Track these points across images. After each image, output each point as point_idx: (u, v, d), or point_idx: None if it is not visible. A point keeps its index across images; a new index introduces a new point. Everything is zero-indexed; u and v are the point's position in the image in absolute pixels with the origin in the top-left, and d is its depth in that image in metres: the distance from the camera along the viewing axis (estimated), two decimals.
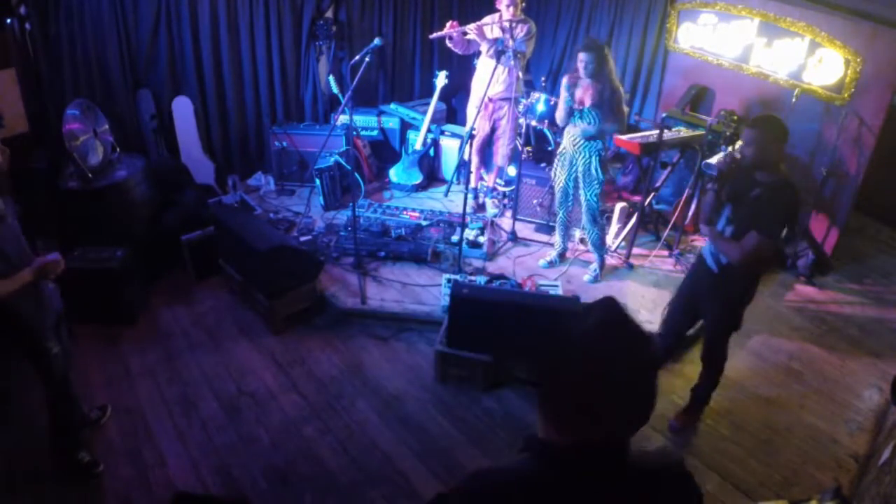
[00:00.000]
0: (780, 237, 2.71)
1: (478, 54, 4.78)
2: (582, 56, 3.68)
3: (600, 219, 4.16)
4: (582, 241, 4.68)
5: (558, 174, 4.14)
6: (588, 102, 3.77)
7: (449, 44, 4.63)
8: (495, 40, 4.43)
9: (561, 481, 1.04)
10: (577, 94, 3.81)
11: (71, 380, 2.77)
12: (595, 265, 4.33)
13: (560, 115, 3.96)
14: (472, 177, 5.14)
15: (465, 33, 4.53)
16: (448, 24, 4.46)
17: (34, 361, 2.60)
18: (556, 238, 4.47)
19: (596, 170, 3.94)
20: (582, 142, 3.92)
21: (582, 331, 1.04)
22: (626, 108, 4.10)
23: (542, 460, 1.08)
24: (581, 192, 4.06)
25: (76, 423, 2.84)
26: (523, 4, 4.44)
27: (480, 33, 4.45)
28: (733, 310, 2.98)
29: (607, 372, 1.00)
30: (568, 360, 1.04)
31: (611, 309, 1.06)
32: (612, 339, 1.03)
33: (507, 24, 4.41)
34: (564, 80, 3.85)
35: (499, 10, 4.48)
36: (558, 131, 4.99)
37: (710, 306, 3.05)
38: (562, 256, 4.47)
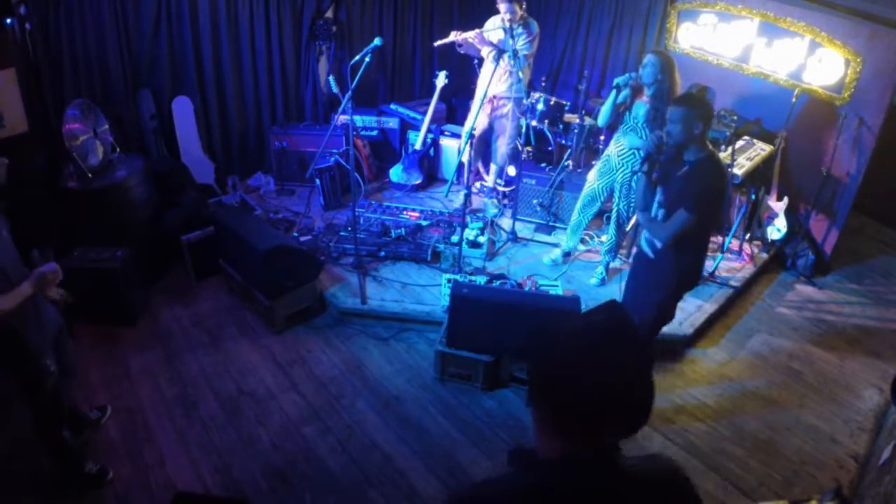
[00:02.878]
0: (706, 213, 2.70)
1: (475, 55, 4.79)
2: (647, 58, 3.56)
3: (625, 227, 4.14)
4: (582, 240, 4.68)
5: (593, 178, 4.09)
6: (641, 118, 3.68)
7: (459, 50, 4.67)
8: (497, 43, 4.44)
9: (552, 496, 1.02)
10: (635, 105, 3.70)
11: (65, 402, 2.66)
12: (601, 269, 4.32)
13: (603, 112, 3.84)
14: (472, 177, 5.14)
15: (466, 40, 4.54)
16: (452, 34, 4.48)
17: (27, 382, 2.49)
18: (565, 238, 4.45)
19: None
20: (628, 153, 3.84)
21: (582, 337, 1.03)
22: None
23: (531, 474, 1.06)
24: (614, 199, 4.01)
25: (75, 446, 2.73)
26: (524, 6, 4.44)
27: (482, 40, 4.46)
28: (667, 297, 2.96)
29: (607, 379, 1.00)
30: (568, 366, 1.03)
31: (612, 316, 1.06)
32: (612, 346, 1.02)
33: (507, 25, 4.40)
34: (619, 80, 3.69)
35: (499, 11, 4.48)
36: (557, 131, 5.00)
37: (645, 295, 3.03)
38: (566, 256, 4.47)
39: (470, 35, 4.47)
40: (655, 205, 2.86)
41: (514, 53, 4.35)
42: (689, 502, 1.13)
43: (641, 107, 3.70)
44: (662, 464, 1.17)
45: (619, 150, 3.89)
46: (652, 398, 1.04)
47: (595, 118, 4.35)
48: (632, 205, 3.99)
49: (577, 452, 1.03)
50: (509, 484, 1.07)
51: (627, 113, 3.80)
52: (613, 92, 3.73)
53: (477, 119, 4.46)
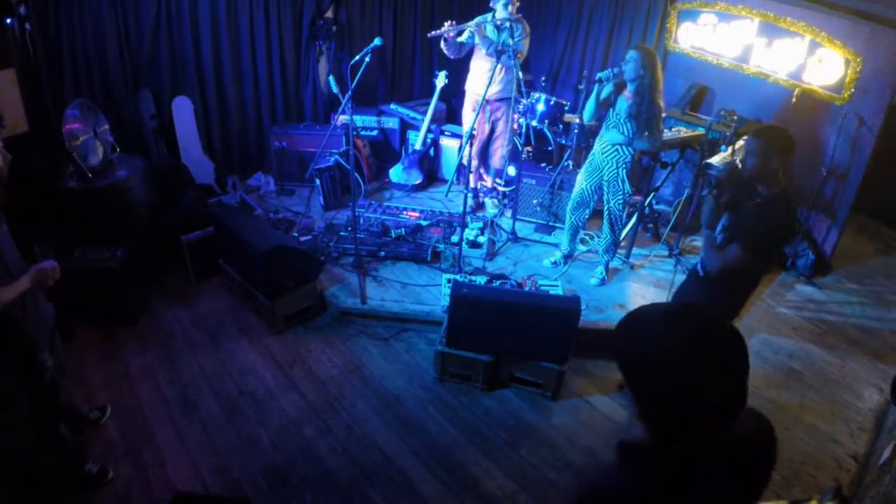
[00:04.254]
0: (764, 254, 2.63)
1: (471, 55, 4.76)
2: (629, 54, 3.55)
3: (619, 225, 4.14)
4: (582, 241, 4.68)
5: (580, 179, 4.09)
6: (624, 113, 3.68)
7: (442, 45, 4.61)
8: (491, 43, 4.43)
9: (673, 487, 1.08)
10: (618, 101, 3.71)
11: (63, 398, 2.67)
12: (601, 268, 4.32)
13: (587, 108, 3.82)
14: (472, 177, 5.14)
15: (461, 32, 4.51)
16: (447, 24, 4.45)
17: (24, 375, 2.50)
18: (562, 240, 4.46)
19: (623, 181, 3.87)
20: (611, 149, 3.84)
21: (677, 342, 1.07)
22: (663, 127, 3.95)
23: (648, 469, 1.11)
24: (605, 197, 4.02)
25: (74, 445, 2.74)
26: (518, 3, 4.43)
27: (479, 32, 4.45)
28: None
29: (709, 381, 1.04)
30: (669, 371, 1.07)
31: (700, 319, 1.10)
32: (709, 348, 1.06)
33: (503, 24, 4.40)
34: (601, 74, 3.67)
35: (492, 10, 4.47)
36: (557, 132, 5.00)
37: None
38: (566, 258, 4.46)
39: (467, 27, 4.44)
40: (720, 226, 2.78)
41: (514, 53, 4.34)
42: (773, 452, 1.23)
43: (624, 102, 3.71)
44: (754, 421, 1.24)
45: (603, 147, 3.89)
46: (745, 392, 1.09)
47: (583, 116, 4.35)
48: (622, 202, 3.98)
49: (685, 446, 1.09)
50: (636, 480, 1.12)
51: (611, 109, 3.80)
52: (596, 86, 3.73)
53: (476, 120, 4.46)
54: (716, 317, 1.10)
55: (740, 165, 2.69)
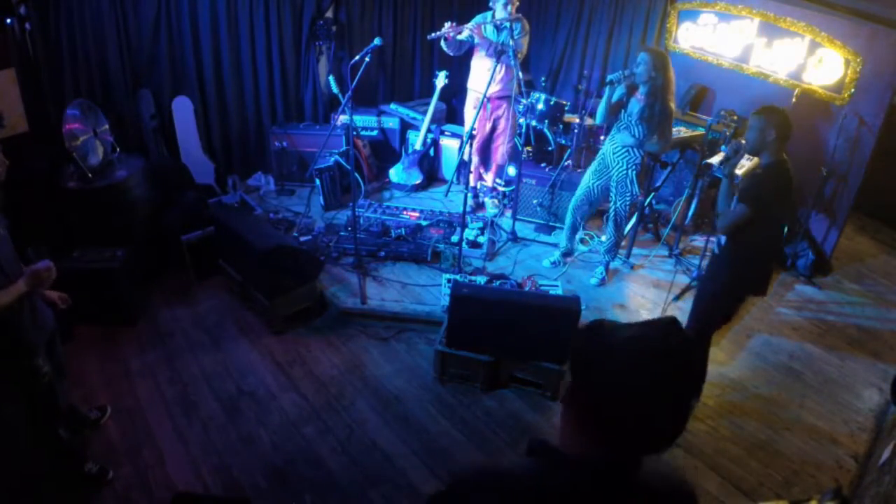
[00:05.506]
0: (762, 209, 2.80)
1: (471, 54, 4.77)
2: (640, 57, 3.58)
3: (623, 226, 4.14)
4: (582, 241, 4.68)
5: (587, 178, 4.09)
6: (636, 115, 3.69)
7: (443, 45, 4.61)
8: (491, 42, 4.43)
9: (565, 492, 1.03)
10: (630, 102, 3.73)
11: (60, 401, 2.65)
12: (601, 268, 4.32)
13: (599, 110, 3.86)
14: (472, 176, 5.14)
15: (460, 32, 4.51)
16: (446, 25, 4.45)
17: (20, 380, 2.49)
18: (561, 239, 4.46)
19: (632, 182, 3.89)
20: (622, 150, 3.85)
21: (633, 347, 1.02)
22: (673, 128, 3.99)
23: (548, 467, 1.07)
24: (611, 197, 4.03)
25: (73, 446, 2.73)
26: (517, 3, 4.43)
27: (478, 33, 4.45)
28: (723, 289, 3.07)
29: (651, 395, 1.00)
30: (609, 373, 1.02)
31: (669, 336, 1.04)
32: (659, 367, 1.01)
33: (502, 23, 4.40)
34: (612, 76, 3.70)
35: (492, 9, 4.47)
36: (557, 131, 5.00)
37: (704, 285, 3.24)
38: (566, 256, 4.46)
39: (467, 27, 4.44)
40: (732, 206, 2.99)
41: (514, 52, 4.35)
42: None
43: (636, 105, 3.71)
44: (671, 477, 1.16)
45: (614, 147, 3.90)
46: (680, 430, 1.04)
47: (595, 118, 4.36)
48: (628, 203, 3.99)
49: (596, 455, 1.03)
50: (531, 474, 1.08)
51: (623, 110, 3.81)
52: (607, 88, 3.76)
53: (477, 119, 4.46)
54: (687, 343, 1.07)
55: (744, 142, 2.94)
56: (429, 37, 4.57)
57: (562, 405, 1.11)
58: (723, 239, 3.04)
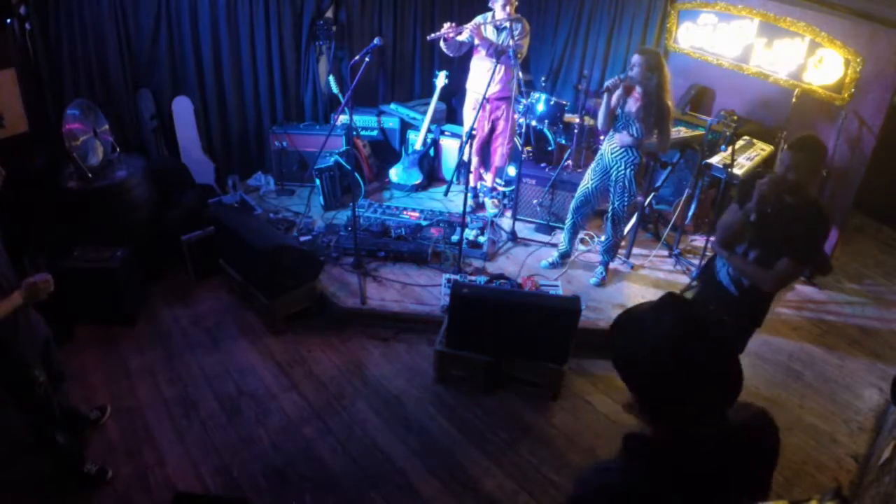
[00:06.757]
0: (814, 261, 2.69)
1: (471, 55, 4.76)
2: (634, 58, 3.59)
3: (621, 226, 4.14)
4: (582, 241, 4.67)
5: (587, 179, 4.09)
6: (634, 115, 3.69)
7: (442, 45, 4.61)
8: (491, 43, 4.42)
9: (670, 476, 1.09)
10: (628, 103, 3.73)
11: (56, 408, 2.64)
12: (601, 268, 4.32)
13: (600, 119, 3.87)
14: (472, 177, 5.14)
15: (460, 33, 4.50)
16: (446, 26, 4.44)
17: (16, 391, 2.47)
18: (561, 239, 4.46)
19: (630, 182, 3.88)
20: (620, 151, 3.85)
21: (663, 333, 1.11)
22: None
23: (645, 458, 1.13)
24: (610, 197, 4.02)
25: (72, 449, 2.73)
26: (516, 3, 4.43)
27: (478, 34, 4.44)
28: (747, 333, 2.94)
29: (700, 365, 1.09)
30: (660, 363, 1.11)
31: (680, 307, 1.15)
32: (694, 335, 1.11)
33: (502, 24, 4.39)
34: (608, 83, 3.68)
35: (491, 10, 4.47)
36: (557, 131, 5.00)
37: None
38: (564, 258, 4.46)
39: (466, 28, 4.44)
40: (742, 247, 2.71)
41: (514, 52, 4.35)
42: (776, 445, 1.31)
43: (633, 105, 3.72)
44: (752, 413, 1.29)
45: (612, 148, 3.90)
46: (739, 378, 1.15)
47: (595, 118, 4.36)
48: (626, 203, 3.98)
49: (685, 434, 1.12)
50: (631, 468, 1.14)
51: (620, 111, 3.82)
52: (606, 95, 3.76)
53: (476, 119, 4.45)
54: (698, 306, 1.14)
55: (782, 179, 2.54)
56: (428, 38, 4.57)
57: (631, 413, 1.20)
58: (745, 281, 2.75)
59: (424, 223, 4.66)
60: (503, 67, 4.49)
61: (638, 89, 3.65)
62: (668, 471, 1.09)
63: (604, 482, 1.15)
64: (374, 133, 5.70)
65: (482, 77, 4.52)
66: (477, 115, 4.44)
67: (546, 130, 5.04)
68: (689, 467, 1.09)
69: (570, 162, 4.88)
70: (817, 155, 2.54)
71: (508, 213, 5.01)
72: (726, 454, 1.14)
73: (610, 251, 4.25)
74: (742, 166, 4.43)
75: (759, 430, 1.25)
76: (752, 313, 2.85)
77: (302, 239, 4.48)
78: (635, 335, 1.15)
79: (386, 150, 5.76)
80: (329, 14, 5.39)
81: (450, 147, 5.49)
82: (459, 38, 4.53)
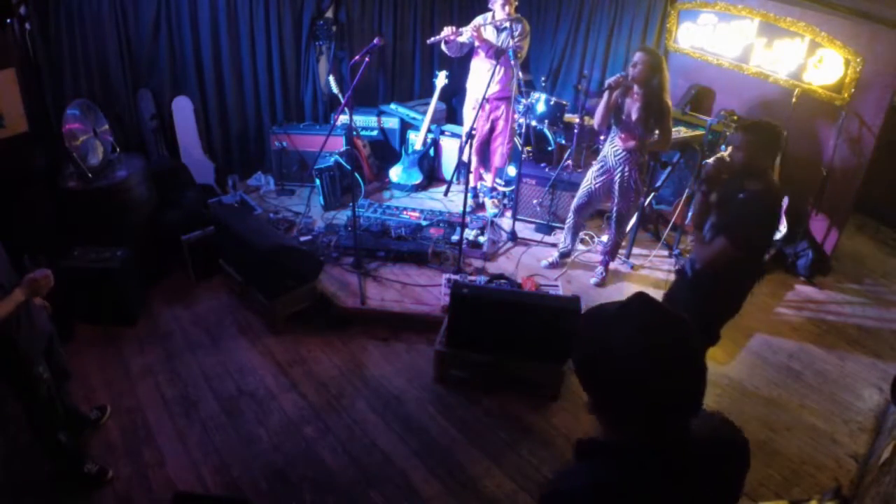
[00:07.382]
0: (747, 247, 2.60)
1: (472, 55, 4.76)
2: (636, 56, 3.58)
3: (625, 226, 4.13)
4: (582, 241, 4.67)
5: (589, 179, 4.06)
6: (634, 115, 3.68)
7: (443, 47, 4.61)
8: (491, 45, 4.42)
9: (638, 479, 1.07)
10: (626, 103, 3.72)
11: (60, 406, 2.64)
12: (601, 268, 4.32)
13: (598, 117, 3.84)
14: (472, 177, 5.14)
15: (460, 34, 4.50)
16: (446, 29, 4.45)
17: (19, 388, 2.48)
18: (561, 239, 4.46)
19: (636, 182, 3.88)
20: (623, 154, 3.83)
21: (628, 335, 1.07)
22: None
23: (612, 462, 1.11)
24: (613, 198, 4.01)
25: (73, 449, 2.73)
26: (516, 3, 4.43)
27: (478, 36, 4.44)
28: (707, 322, 2.84)
29: (663, 368, 1.05)
30: (622, 366, 1.07)
31: (647, 307, 1.10)
32: (658, 336, 1.07)
33: (502, 24, 4.39)
34: (610, 81, 3.67)
35: (491, 10, 4.47)
36: (557, 132, 5.00)
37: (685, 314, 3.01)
38: (564, 257, 4.46)
39: (465, 30, 4.44)
40: (709, 223, 2.77)
41: (514, 53, 4.34)
42: (745, 459, 1.22)
43: (633, 104, 3.71)
44: (720, 425, 1.24)
45: (615, 149, 3.89)
46: (701, 384, 1.09)
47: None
48: (632, 203, 3.99)
49: (644, 439, 1.09)
50: (599, 474, 1.11)
51: (620, 112, 3.81)
52: (606, 94, 3.74)
53: (476, 120, 4.45)
54: (666, 309, 1.11)
55: (728, 160, 2.66)
56: (429, 41, 4.58)
57: (590, 414, 1.16)
58: (696, 263, 2.81)
59: (424, 223, 4.66)
60: (503, 68, 4.49)
61: (636, 88, 3.65)
62: (628, 474, 1.07)
63: (565, 490, 1.13)
64: (374, 133, 5.70)
65: (482, 78, 4.52)
66: (476, 115, 4.45)
67: (546, 130, 5.04)
68: (648, 474, 1.07)
69: (570, 162, 4.88)
70: (767, 136, 2.55)
71: (508, 213, 5.01)
72: (695, 466, 1.12)
73: (611, 251, 4.25)
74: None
75: (728, 443, 1.21)
76: (704, 292, 2.79)
77: (302, 239, 4.48)
78: (599, 335, 1.11)
79: (386, 150, 5.76)
80: (329, 14, 5.40)
81: (450, 147, 5.49)
82: (460, 39, 4.53)
